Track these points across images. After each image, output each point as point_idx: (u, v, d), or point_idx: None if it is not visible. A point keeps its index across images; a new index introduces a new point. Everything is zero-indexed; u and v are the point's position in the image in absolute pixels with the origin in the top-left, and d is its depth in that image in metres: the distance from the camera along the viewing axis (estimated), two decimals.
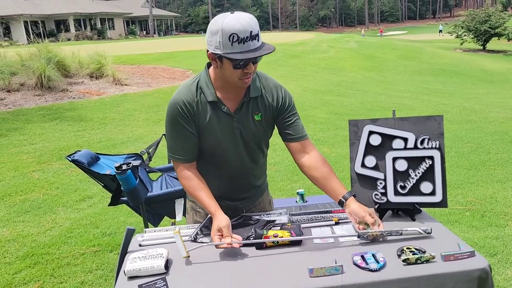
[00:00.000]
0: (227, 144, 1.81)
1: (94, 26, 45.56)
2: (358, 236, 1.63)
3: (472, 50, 27.19)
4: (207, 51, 1.65)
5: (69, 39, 36.96)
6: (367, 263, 1.46)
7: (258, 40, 1.60)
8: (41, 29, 36.85)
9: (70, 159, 2.82)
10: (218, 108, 1.76)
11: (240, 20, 1.54)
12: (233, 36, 1.54)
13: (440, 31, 48.21)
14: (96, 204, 4.45)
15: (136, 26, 54.72)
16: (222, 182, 1.92)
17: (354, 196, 1.78)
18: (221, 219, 1.69)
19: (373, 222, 1.67)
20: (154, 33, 53.65)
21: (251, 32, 1.56)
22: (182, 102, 1.73)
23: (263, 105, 1.82)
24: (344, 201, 1.76)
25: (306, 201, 3.24)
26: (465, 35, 27.45)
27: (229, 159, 1.85)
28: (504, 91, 13.60)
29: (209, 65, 1.79)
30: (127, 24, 53.29)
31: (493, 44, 28.84)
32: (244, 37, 1.55)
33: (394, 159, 1.86)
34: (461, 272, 1.42)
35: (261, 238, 1.65)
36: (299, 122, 1.91)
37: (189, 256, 1.58)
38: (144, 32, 55.94)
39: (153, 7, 56.18)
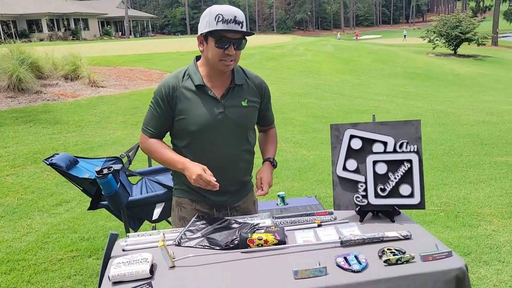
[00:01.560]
0: (212, 128, 1.89)
1: (68, 26, 44.66)
2: (341, 243, 1.67)
3: (444, 55, 27.91)
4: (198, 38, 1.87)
5: (42, 40, 36.11)
6: (349, 265, 1.50)
7: (242, 27, 1.79)
8: (12, 29, 35.85)
9: (48, 163, 2.77)
10: (205, 92, 1.88)
11: (227, 6, 1.80)
12: (219, 16, 1.75)
13: (405, 36, 50.40)
14: (73, 208, 4.37)
15: (111, 27, 53.91)
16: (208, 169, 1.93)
17: (272, 162, 2.11)
18: (196, 166, 1.81)
19: (259, 186, 2.02)
20: (130, 34, 52.98)
21: (235, 16, 1.77)
22: (168, 86, 1.88)
23: (249, 93, 1.97)
24: (265, 161, 2.12)
25: (287, 204, 3.27)
26: (437, 40, 28.13)
27: (215, 144, 1.91)
28: (475, 95, 14.03)
29: (197, 58, 1.96)
30: (102, 24, 52.43)
31: (463, 49, 29.69)
32: (228, 19, 1.75)
33: (374, 163, 1.91)
34: (440, 272, 1.48)
35: (246, 241, 1.67)
36: (271, 110, 2.18)
37: (174, 266, 1.59)
38: (120, 33, 55.17)
39: (128, 7, 55.48)
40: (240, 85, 1.94)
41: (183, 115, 1.88)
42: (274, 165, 2.13)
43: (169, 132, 2.02)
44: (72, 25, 45.03)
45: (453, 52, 28.52)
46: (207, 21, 1.77)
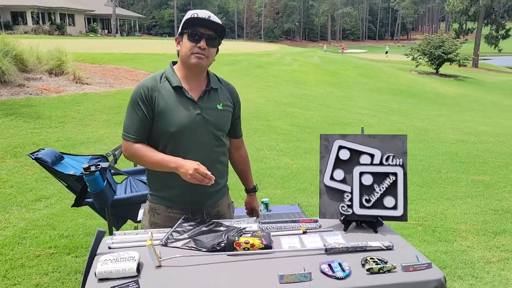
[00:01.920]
0: (190, 129, 1.92)
1: (54, 21, 43.98)
2: (326, 251, 1.71)
3: (426, 73, 28.53)
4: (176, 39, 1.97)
5: (26, 32, 35.45)
6: (333, 271, 1.54)
7: (215, 26, 1.89)
8: None
9: (33, 157, 2.75)
10: (183, 93, 1.92)
11: (204, 9, 1.91)
12: (194, 14, 1.89)
13: (386, 52, 51.95)
14: (53, 204, 4.31)
15: (98, 24, 53.31)
16: None
17: (255, 190, 2.36)
18: (190, 162, 1.82)
19: (250, 213, 2.36)
20: (117, 32, 52.48)
21: (209, 16, 1.88)
22: (146, 87, 1.90)
23: (223, 97, 2.04)
24: (248, 192, 2.36)
25: (270, 210, 3.30)
26: (420, 58, 28.78)
27: (192, 145, 1.94)
28: (454, 114, 14.39)
29: (173, 63, 2.02)
30: (88, 21, 51.79)
31: (445, 68, 30.44)
32: (202, 17, 1.87)
33: (361, 174, 1.96)
34: (420, 282, 1.53)
35: (233, 244, 1.70)
36: (240, 122, 2.22)
37: (161, 266, 1.60)
38: (106, 31, 54.58)
39: (116, 6, 55.01)
40: (215, 89, 2.01)
41: (161, 116, 1.90)
42: (257, 191, 2.39)
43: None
44: (58, 20, 44.36)
45: (435, 71, 29.21)
46: (184, 21, 1.89)
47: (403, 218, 1.97)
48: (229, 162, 2.20)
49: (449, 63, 28.77)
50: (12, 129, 6.76)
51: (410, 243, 3.72)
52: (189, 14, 1.90)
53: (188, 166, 1.80)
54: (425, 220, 4.39)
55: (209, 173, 1.79)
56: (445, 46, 27.46)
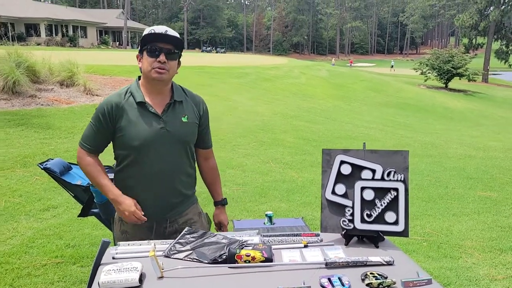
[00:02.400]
0: (153, 143, 1.97)
1: (66, 33, 44.75)
2: (326, 265, 1.73)
3: (435, 87, 28.48)
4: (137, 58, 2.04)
5: (39, 44, 36.08)
6: (333, 286, 1.56)
7: (172, 40, 1.95)
8: (10, 32, 35.82)
9: (42, 167, 2.80)
10: (146, 109, 1.98)
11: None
12: (151, 30, 1.95)
13: (392, 66, 52.09)
14: (60, 214, 4.37)
15: (109, 36, 54.12)
16: (148, 182, 2.03)
17: (223, 203, 2.33)
18: (128, 200, 2.00)
19: (219, 229, 2.32)
20: (128, 44, 53.19)
21: (166, 30, 1.95)
22: (110, 103, 1.97)
23: (188, 109, 2.07)
24: (216, 205, 2.33)
25: (274, 223, 3.31)
26: (429, 73, 28.76)
27: (157, 158, 1.99)
28: (463, 129, 14.32)
29: (139, 78, 2.07)
30: (100, 33, 52.61)
31: (454, 83, 30.36)
32: (159, 32, 1.93)
33: (362, 189, 1.98)
34: None
35: (234, 257, 1.72)
36: (209, 132, 2.26)
37: (163, 277, 1.63)
38: (117, 43, 55.39)
39: (128, 19, 55.85)
40: (180, 101, 2.05)
41: (125, 131, 1.96)
42: (226, 204, 2.36)
43: (112, 146, 2.09)
44: (71, 32, 45.12)
45: (444, 85, 29.14)
46: (142, 38, 1.96)
47: (404, 233, 1.98)
48: (195, 175, 2.22)
49: (459, 77, 28.72)
50: (23, 139, 6.87)
51: (414, 259, 3.72)
52: (147, 31, 1.96)
53: (126, 206, 1.97)
54: (430, 236, 4.37)
55: (142, 216, 1.98)
56: (455, 61, 27.44)
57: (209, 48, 67.37)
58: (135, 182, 2.03)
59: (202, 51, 64.19)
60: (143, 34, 1.97)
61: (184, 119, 2.03)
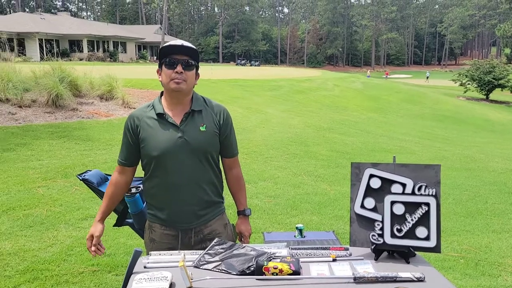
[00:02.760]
0: (172, 152, 2.04)
1: (107, 48, 46.51)
2: (354, 279, 1.72)
3: (475, 99, 27.60)
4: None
5: (81, 59, 37.66)
6: None
7: (188, 52, 2.04)
8: (55, 48, 37.61)
9: (80, 178, 2.91)
10: (165, 119, 2.07)
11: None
12: (169, 44, 2.04)
13: (427, 77, 51.34)
14: None
15: (148, 51, 55.85)
16: (171, 191, 2.09)
17: (246, 214, 2.31)
18: (96, 227, 2.20)
19: (240, 239, 2.31)
20: None
21: (182, 43, 2.03)
22: (133, 117, 2.12)
23: (207, 119, 2.12)
24: (238, 214, 2.33)
25: (304, 236, 3.30)
26: (468, 84, 27.95)
27: (177, 167, 2.06)
28: (505, 142, 13.76)
29: (162, 93, 2.16)
30: (138, 48, 54.39)
31: (496, 94, 29.32)
32: (176, 45, 2.02)
33: (392, 203, 1.96)
34: None
35: (261, 269, 1.74)
36: (234, 141, 2.28)
37: (191, 287, 1.67)
38: (155, 57, 56.99)
39: (165, 34, 57.46)
40: (199, 111, 2.11)
41: (146, 142, 2.07)
42: (248, 215, 2.35)
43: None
44: (111, 47, 46.88)
45: (485, 97, 28.21)
46: (159, 53, 2.06)
47: (436, 249, 1.93)
48: (221, 184, 2.26)
49: (500, 89, 27.72)
50: (64, 150, 7.17)
51: (450, 276, 3.61)
52: (163, 45, 2.07)
53: (90, 231, 2.19)
54: (468, 253, 4.22)
55: (90, 248, 2.16)
56: (496, 72, 26.57)
57: (243, 62, 68.15)
58: (159, 191, 2.12)
59: (236, 64, 65.04)
60: (160, 48, 2.06)
61: (202, 128, 2.08)
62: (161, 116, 2.06)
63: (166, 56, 2.02)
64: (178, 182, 2.07)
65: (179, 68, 2.00)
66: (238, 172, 2.32)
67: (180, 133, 2.05)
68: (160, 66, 2.07)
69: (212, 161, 2.15)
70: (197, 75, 2.12)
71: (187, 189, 2.09)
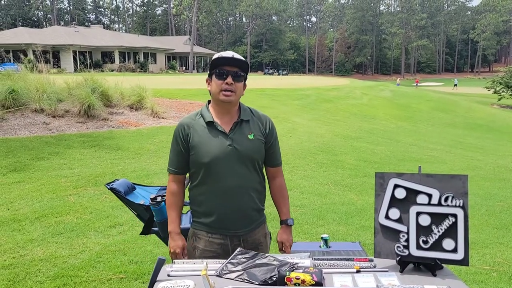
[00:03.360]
0: (222, 159, 2.10)
1: (138, 59, 47.67)
2: None
3: (510, 107, 26.70)
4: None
5: (112, 70, 38.72)
6: None
7: (239, 63, 2.09)
8: (87, 60, 38.87)
9: (108, 187, 2.99)
10: (215, 127, 2.13)
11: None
12: (219, 55, 2.11)
13: (455, 85, 50.54)
14: (125, 231, 4.60)
15: (177, 61, 56.86)
16: (219, 198, 2.13)
17: (288, 223, 2.30)
18: (180, 242, 2.22)
19: (281, 248, 2.29)
20: (193, 69, 55.50)
21: (233, 55, 2.10)
22: (183, 126, 2.18)
23: (254, 127, 2.19)
24: (280, 224, 2.33)
25: (329, 247, 3.26)
26: (503, 91, 27.10)
27: (226, 174, 2.11)
28: None
29: (209, 102, 2.24)
30: (168, 59, 55.50)
31: None
32: (226, 57, 2.09)
33: (418, 214, 1.92)
34: None
35: (284, 279, 1.73)
36: (278, 150, 2.32)
37: None
38: (184, 67, 58.00)
39: (194, 44, 58.42)
40: (247, 120, 2.17)
41: (196, 149, 2.12)
42: (291, 225, 2.34)
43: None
44: (141, 58, 48.02)
45: None
46: (211, 63, 2.12)
47: (464, 262, 1.88)
48: (264, 193, 2.28)
49: None
50: (95, 159, 7.37)
51: None
52: (215, 56, 2.12)
53: (175, 245, 2.21)
54: (501, 266, 4.06)
55: (180, 257, 2.20)
56: None
57: (271, 71, 68.36)
58: (208, 197, 2.16)
59: (264, 74, 65.29)
60: (212, 59, 2.11)
61: (250, 137, 2.15)
62: (210, 124, 2.13)
63: (216, 67, 2.09)
64: (228, 188, 2.13)
65: (229, 79, 2.07)
66: (282, 182, 2.36)
67: (229, 141, 2.11)
68: (210, 76, 2.14)
69: (259, 169, 2.22)
70: (244, 85, 2.19)
71: (236, 195, 2.14)
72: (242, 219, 2.17)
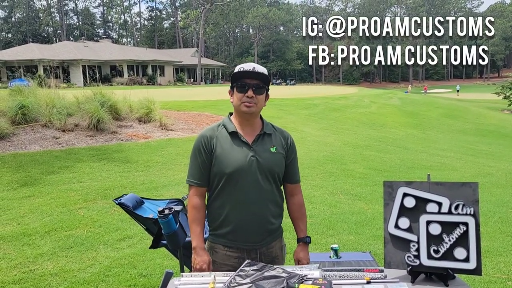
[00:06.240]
0: (244, 170, 2.09)
1: (146, 72, 48.11)
2: None
3: None
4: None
5: (121, 84, 39.10)
6: None
7: (259, 76, 2.10)
8: (97, 74, 39.34)
9: (117, 202, 2.99)
10: (238, 137, 2.14)
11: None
12: (240, 68, 2.13)
13: (458, 90, 51.14)
14: (135, 244, 4.59)
15: (185, 73, 57.29)
16: (239, 210, 2.12)
17: (306, 242, 2.28)
18: (206, 257, 2.14)
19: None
20: (201, 80, 55.87)
21: (254, 67, 2.11)
22: (205, 136, 2.16)
23: (277, 141, 2.20)
24: (297, 241, 2.30)
25: (340, 257, 3.22)
26: None
27: (247, 185, 2.10)
28: None
29: (230, 114, 2.25)
30: (176, 71, 55.94)
31: None
32: (247, 69, 2.10)
33: (428, 223, 1.89)
34: None
35: None
36: (297, 167, 2.31)
37: None
38: (192, 79, 58.40)
39: (202, 56, 58.86)
40: (269, 134, 2.19)
41: (219, 159, 2.11)
42: (308, 243, 2.32)
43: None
44: (150, 71, 48.45)
45: None
46: (232, 76, 2.14)
47: (476, 271, 1.84)
48: (282, 206, 2.27)
49: None
50: (104, 172, 7.40)
51: None
52: (236, 69, 2.14)
53: (200, 260, 2.12)
54: None
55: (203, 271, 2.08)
56: None
57: (279, 81, 68.52)
58: (227, 209, 2.15)
59: (272, 84, 65.26)
60: (233, 72, 2.15)
61: (272, 150, 2.16)
62: (234, 135, 2.15)
63: (238, 80, 2.11)
64: (248, 200, 2.12)
65: (249, 92, 2.09)
66: (300, 199, 2.33)
67: (252, 152, 2.12)
68: (232, 88, 2.16)
69: (279, 182, 2.22)
70: (267, 96, 2.20)
71: (256, 207, 2.13)
72: (260, 232, 2.16)
